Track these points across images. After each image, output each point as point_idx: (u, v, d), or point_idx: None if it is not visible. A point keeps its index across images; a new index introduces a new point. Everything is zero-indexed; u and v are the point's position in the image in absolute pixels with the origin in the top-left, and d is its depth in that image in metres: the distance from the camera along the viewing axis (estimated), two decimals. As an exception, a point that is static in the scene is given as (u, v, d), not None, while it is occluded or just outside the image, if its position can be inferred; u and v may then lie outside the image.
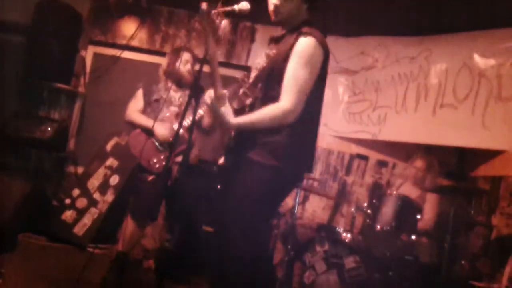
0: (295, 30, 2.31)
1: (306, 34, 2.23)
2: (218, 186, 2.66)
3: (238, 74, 5.09)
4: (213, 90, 2.22)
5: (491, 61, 4.01)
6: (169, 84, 3.76)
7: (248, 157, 2.27)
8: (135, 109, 3.79)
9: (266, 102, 2.26)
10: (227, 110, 2.20)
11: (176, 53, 3.77)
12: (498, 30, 4.02)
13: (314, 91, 2.28)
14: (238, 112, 2.32)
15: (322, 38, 2.27)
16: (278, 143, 2.25)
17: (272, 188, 2.28)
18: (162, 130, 3.59)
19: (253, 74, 2.42)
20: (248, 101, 2.35)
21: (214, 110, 2.21)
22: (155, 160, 3.59)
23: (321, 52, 2.25)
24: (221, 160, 2.54)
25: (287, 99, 2.19)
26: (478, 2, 3.73)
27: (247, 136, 2.31)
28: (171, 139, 3.57)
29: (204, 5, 2.05)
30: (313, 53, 2.23)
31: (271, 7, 2.35)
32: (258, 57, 2.48)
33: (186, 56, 3.74)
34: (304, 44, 2.22)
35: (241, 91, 2.44)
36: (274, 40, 2.44)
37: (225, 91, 2.21)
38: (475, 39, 4.16)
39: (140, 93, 3.83)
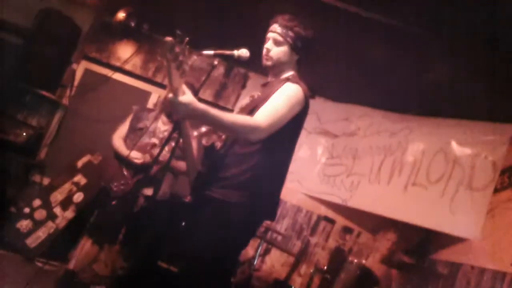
0: (282, 79, 2.41)
1: (292, 81, 2.33)
2: (183, 223, 2.62)
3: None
4: (171, 90, 2.01)
5: (467, 150, 4.15)
6: (161, 115, 3.78)
7: (210, 195, 2.28)
8: (119, 135, 3.77)
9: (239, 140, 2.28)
10: (189, 97, 1.98)
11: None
12: (478, 122, 4.18)
13: (286, 138, 2.31)
14: (207, 149, 2.34)
15: (306, 90, 2.35)
16: (242, 182, 2.26)
17: (233, 227, 2.26)
18: (136, 154, 3.57)
19: (235, 113, 2.49)
20: (220, 140, 2.39)
21: (174, 101, 1.97)
22: (115, 184, 3.56)
23: (302, 100, 2.31)
24: (188, 198, 2.52)
25: (262, 117, 2.18)
26: (463, 92, 3.89)
27: (212, 174, 2.32)
28: (142, 161, 3.55)
29: (168, 38, 1.94)
30: (295, 96, 2.29)
31: (263, 52, 2.45)
32: (244, 99, 2.55)
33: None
34: (289, 87, 2.30)
35: (205, 130, 2.45)
36: (262, 86, 2.53)
37: (178, 87, 2.00)
38: (455, 127, 4.31)
39: (129, 118, 3.83)
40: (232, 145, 2.35)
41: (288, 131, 2.30)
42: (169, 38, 1.90)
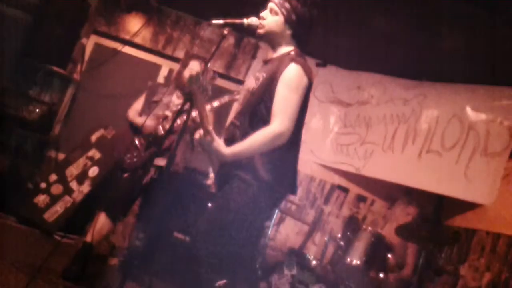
0: (284, 55, 2.41)
1: (296, 61, 2.33)
2: (209, 204, 2.69)
3: (234, 87, 5.13)
4: (202, 128, 2.23)
5: (482, 116, 4.09)
6: (175, 90, 3.78)
7: (234, 175, 2.34)
8: (135, 108, 3.81)
9: (253, 126, 2.32)
10: (218, 143, 2.23)
11: (185, 60, 3.79)
12: (492, 87, 4.11)
13: (298, 116, 2.35)
14: (229, 142, 2.36)
15: (308, 67, 2.38)
16: (262, 162, 2.30)
17: (255, 205, 2.33)
18: (149, 122, 3.60)
19: (243, 95, 2.49)
20: (238, 130, 2.41)
21: (205, 145, 2.21)
22: (129, 156, 3.59)
23: (306, 81, 2.35)
24: (211, 179, 2.58)
25: (279, 121, 2.26)
26: (477, 58, 3.82)
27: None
28: (153, 133, 3.58)
29: (194, 71, 2.14)
30: (300, 80, 2.32)
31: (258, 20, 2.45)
32: (248, 79, 2.54)
33: (193, 64, 3.72)
34: (292, 71, 2.31)
35: (229, 120, 2.49)
36: (265, 63, 2.52)
37: (211, 128, 2.22)
38: (470, 92, 4.24)
39: (144, 94, 3.85)
40: (246, 128, 2.38)
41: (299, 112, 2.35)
42: (194, 71, 2.00)
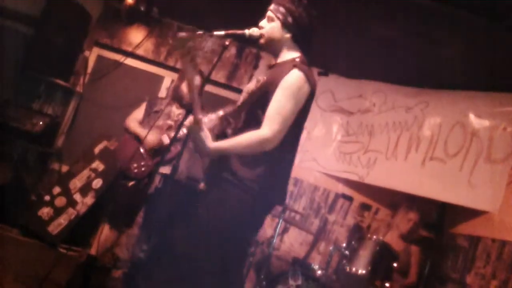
0: (288, 61, 2.39)
1: (299, 67, 2.30)
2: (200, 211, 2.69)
3: (236, 97, 5.13)
4: (193, 114, 2.22)
5: (485, 122, 4.08)
6: (173, 101, 3.82)
7: (224, 179, 2.30)
8: (134, 117, 3.83)
9: (248, 126, 2.29)
10: (205, 134, 2.21)
11: (183, 74, 3.83)
12: (496, 93, 4.10)
13: (295, 124, 2.32)
14: (218, 138, 2.34)
15: (312, 76, 2.35)
16: (254, 170, 2.28)
17: (244, 214, 2.30)
18: (151, 137, 3.61)
19: (242, 98, 2.48)
20: (230, 128, 2.39)
21: (192, 134, 2.21)
22: (135, 165, 3.60)
23: (308, 89, 2.32)
24: (201, 184, 2.57)
25: (268, 127, 2.22)
26: (480, 64, 3.82)
27: (225, 162, 2.33)
28: (157, 147, 3.60)
29: (181, 34, 2.13)
30: (300, 87, 2.29)
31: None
32: (250, 82, 2.53)
33: None
34: (294, 77, 2.28)
35: (222, 114, 2.49)
36: (269, 67, 2.52)
37: (201, 117, 2.22)
38: (472, 99, 4.24)
39: (144, 104, 3.88)
40: (239, 127, 2.36)
41: (296, 120, 2.32)
42: (182, 34, 2.05)
